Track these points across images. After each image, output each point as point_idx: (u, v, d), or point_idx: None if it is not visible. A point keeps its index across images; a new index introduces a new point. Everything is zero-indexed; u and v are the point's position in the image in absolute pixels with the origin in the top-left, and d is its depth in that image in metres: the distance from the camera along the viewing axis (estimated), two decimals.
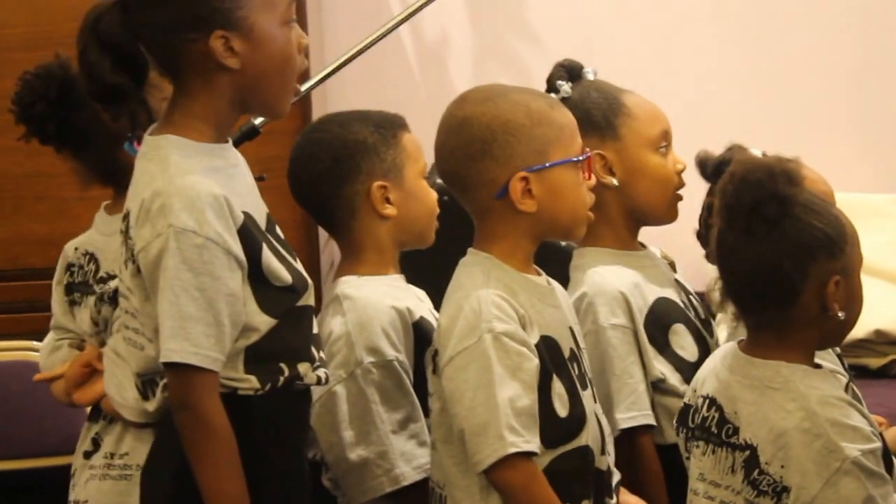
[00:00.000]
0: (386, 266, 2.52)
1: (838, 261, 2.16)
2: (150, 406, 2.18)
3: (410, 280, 2.57)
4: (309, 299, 2.15)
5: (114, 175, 2.46)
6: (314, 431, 2.38)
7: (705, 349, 2.56)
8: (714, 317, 2.68)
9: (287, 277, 2.11)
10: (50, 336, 2.59)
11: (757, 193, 2.12)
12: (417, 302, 2.52)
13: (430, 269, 2.43)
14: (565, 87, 2.60)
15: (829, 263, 2.15)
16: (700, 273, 2.62)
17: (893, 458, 2.19)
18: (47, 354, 2.58)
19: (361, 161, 2.49)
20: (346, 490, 2.44)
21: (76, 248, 2.55)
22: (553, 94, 2.54)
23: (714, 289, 2.27)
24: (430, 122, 2.30)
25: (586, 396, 2.25)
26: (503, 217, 2.24)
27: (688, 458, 2.30)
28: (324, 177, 2.50)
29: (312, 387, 2.18)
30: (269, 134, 3.04)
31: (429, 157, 2.42)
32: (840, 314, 2.16)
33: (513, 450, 2.12)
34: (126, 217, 2.10)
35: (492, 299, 2.17)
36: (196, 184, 2.02)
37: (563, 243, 2.66)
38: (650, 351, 2.53)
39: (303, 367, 2.14)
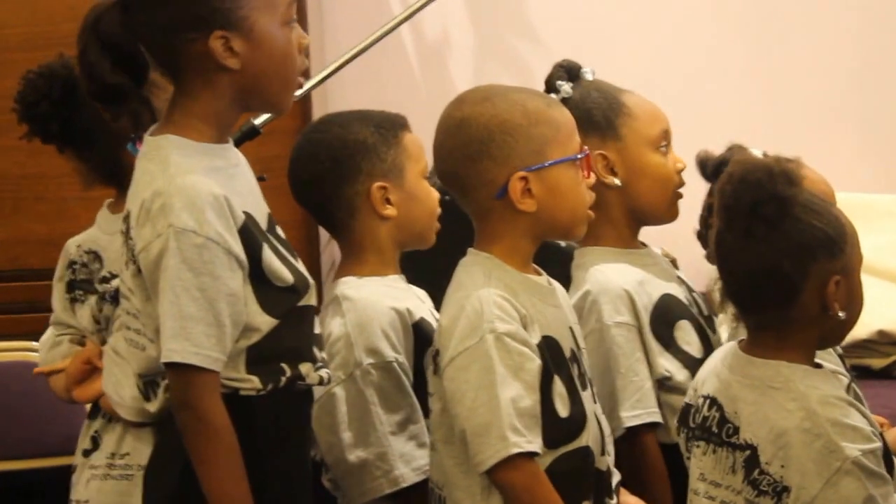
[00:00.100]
0: (386, 266, 2.51)
1: (838, 260, 2.15)
2: (152, 407, 2.18)
3: (411, 280, 2.56)
4: (311, 299, 2.15)
5: (116, 175, 2.46)
6: (314, 432, 2.38)
7: (709, 346, 2.57)
8: (716, 316, 2.68)
9: (288, 277, 2.10)
10: (50, 331, 2.59)
11: (756, 194, 2.12)
12: (418, 303, 2.52)
13: (431, 269, 2.43)
14: (565, 87, 2.60)
15: (829, 263, 2.14)
16: (701, 273, 2.62)
17: (894, 458, 2.18)
18: (47, 349, 2.58)
19: (361, 161, 2.48)
20: (346, 491, 2.44)
21: (79, 246, 2.55)
22: (553, 95, 2.55)
23: (714, 289, 2.27)
24: (431, 122, 2.29)
25: (586, 397, 2.25)
26: (503, 217, 2.24)
27: (688, 458, 2.30)
28: (324, 177, 2.49)
29: (314, 387, 2.18)
30: (270, 134, 3.04)
31: (430, 158, 2.41)
32: (841, 314, 2.16)
33: (516, 450, 2.12)
34: (127, 217, 2.10)
35: (493, 299, 2.17)
36: (196, 183, 2.02)
37: (563, 244, 2.66)
38: (655, 349, 2.53)
39: (304, 368, 2.13)
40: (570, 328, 2.30)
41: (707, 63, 4.35)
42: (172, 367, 2.02)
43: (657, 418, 2.51)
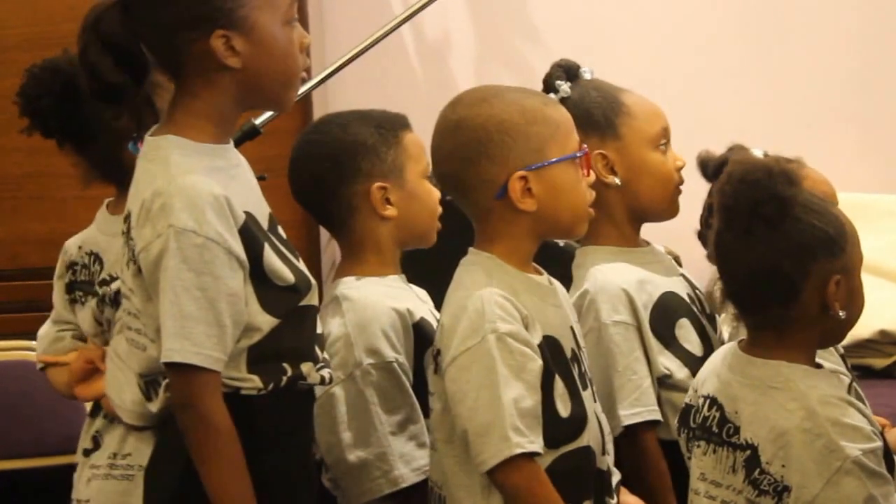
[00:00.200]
0: (386, 266, 2.51)
1: (839, 260, 2.15)
2: (154, 407, 2.18)
3: (411, 280, 2.56)
4: (312, 299, 2.15)
5: (116, 173, 2.46)
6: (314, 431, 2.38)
7: (710, 345, 2.56)
8: (718, 315, 2.68)
9: (289, 277, 2.10)
10: (50, 327, 2.59)
11: (756, 194, 2.12)
12: (418, 302, 2.52)
13: (432, 268, 2.42)
14: (564, 86, 2.60)
15: (829, 263, 2.14)
16: (702, 273, 2.61)
17: (894, 457, 2.18)
18: (48, 344, 2.58)
19: (361, 162, 2.48)
20: (345, 491, 2.44)
21: (80, 247, 2.55)
22: (552, 95, 2.55)
23: (714, 289, 2.26)
24: (432, 122, 2.29)
25: (587, 396, 2.25)
26: (503, 217, 2.23)
27: (689, 458, 2.30)
28: (324, 177, 2.49)
29: (316, 387, 2.18)
30: (271, 133, 3.04)
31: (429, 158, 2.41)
32: (841, 314, 2.16)
33: (518, 450, 2.12)
34: (127, 218, 2.10)
35: (495, 299, 2.17)
36: (196, 183, 2.02)
37: (563, 243, 2.66)
38: (655, 347, 2.52)
39: (306, 367, 2.13)
40: (571, 328, 2.30)
41: (707, 63, 4.35)
42: (173, 367, 2.02)
43: (656, 416, 2.50)
